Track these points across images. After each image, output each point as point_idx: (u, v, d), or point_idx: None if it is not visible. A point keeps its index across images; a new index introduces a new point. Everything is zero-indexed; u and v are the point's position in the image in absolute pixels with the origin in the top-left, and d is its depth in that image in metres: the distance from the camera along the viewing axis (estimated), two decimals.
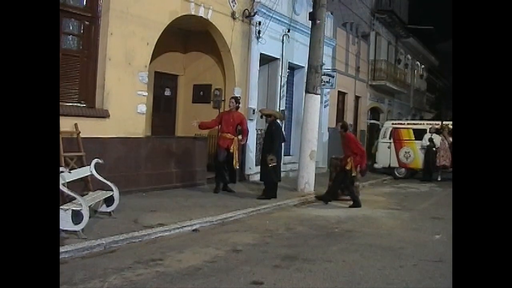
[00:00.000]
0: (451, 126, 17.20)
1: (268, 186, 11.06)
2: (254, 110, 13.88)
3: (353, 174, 11.05)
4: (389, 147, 18.93)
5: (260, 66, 14.50)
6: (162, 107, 14.60)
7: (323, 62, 12.95)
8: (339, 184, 11.29)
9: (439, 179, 17.73)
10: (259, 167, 11.57)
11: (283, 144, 11.94)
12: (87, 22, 9.45)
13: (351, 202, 11.56)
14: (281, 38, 15.19)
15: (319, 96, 12.57)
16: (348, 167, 10.98)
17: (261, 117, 11.82)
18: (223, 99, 13.85)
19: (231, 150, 11.18)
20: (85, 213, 6.45)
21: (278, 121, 11.58)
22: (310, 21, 12.56)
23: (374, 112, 27.40)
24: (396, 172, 18.89)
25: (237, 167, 11.71)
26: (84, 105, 9.42)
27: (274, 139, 11.07)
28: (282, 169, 15.59)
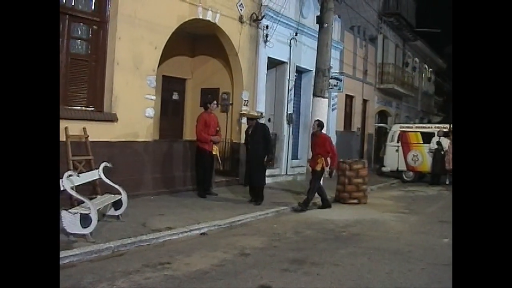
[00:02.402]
0: None
1: (260, 189, 10.74)
2: (262, 114, 13.86)
3: (323, 175, 10.84)
4: (397, 151, 18.87)
5: (267, 69, 14.52)
6: (170, 111, 14.64)
7: (331, 65, 12.95)
8: (316, 185, 10.90)
9: (447, 182, 17.66)
10: (246, 169, 11.16)
11: None
12: (95, 27, 9.50)
13: (360, 205, 11.57)
14: (289, 41, 15.21)
15: (326, 99, 12.57)
16: (318, 168, 10.76)
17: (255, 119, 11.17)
18: (231, 102, 13.87)
19: (214, 153, 11.07)
20: (94, 217, 6.47)
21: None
22: (318, 25, 12.57)
23: (382, 116, 27.34)
24: (404, 176, 18.84)
25: (221, 168, 11.58)
26: (93, 109, 9.47)
27: (268, 140, 10.82)
28: (289, 173, 15.66)
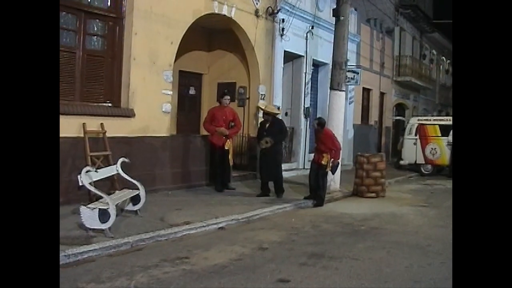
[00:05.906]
0: None
1: (279, 182, 10.68)
2: (279, 108, 13.83)
3: (326, 170, 10.47)
4: (415, 144, 18.73)
5: (284, 63, 14.48)
6: (187, 106, 14.68)
7: (348, 58, 12.85)
8: (323, 181, 10.60)
9: None
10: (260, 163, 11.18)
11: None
12: (111, 23, 9.53)
13: (378, 199, 11.49)
14: (305, 35, 15.15)
15: (343, 92, 12.47)
16: (324, 162, 10.37)
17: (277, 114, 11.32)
18: (247, 97, 13.85)
19: (226, 148, 11.02)
20: (112, 212, 6.49)
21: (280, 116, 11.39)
22: (334, 18, 12.47)
23: (400, 109, 27.15)
24: (422, 169, 18.70)
25: (231, 164, 11.54)
26: (110, 104, 9.51)
27: (285, 133, 11.03)
28: (307, 167, 15.56)
